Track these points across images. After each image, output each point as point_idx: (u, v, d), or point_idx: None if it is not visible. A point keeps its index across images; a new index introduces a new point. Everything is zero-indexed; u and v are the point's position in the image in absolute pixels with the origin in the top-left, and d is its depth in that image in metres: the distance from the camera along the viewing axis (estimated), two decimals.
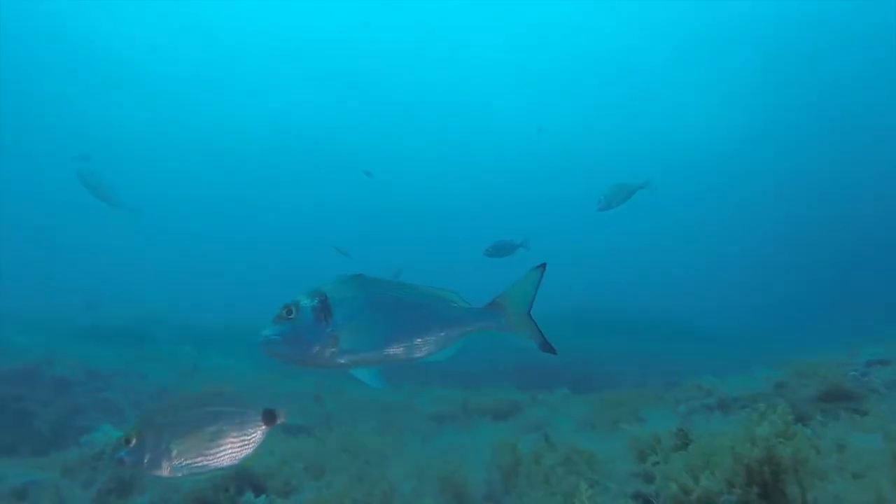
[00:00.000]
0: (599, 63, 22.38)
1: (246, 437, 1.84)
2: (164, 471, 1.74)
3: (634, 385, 6.73)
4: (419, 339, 1.75)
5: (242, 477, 1.92)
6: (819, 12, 18.19)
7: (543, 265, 1.81)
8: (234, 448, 1.81)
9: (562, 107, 24.54)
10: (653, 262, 25.53)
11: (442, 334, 1.77)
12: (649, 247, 26.58)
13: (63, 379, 5.38)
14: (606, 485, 2.05)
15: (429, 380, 8.15)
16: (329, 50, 22.31)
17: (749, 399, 3.96)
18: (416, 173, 27.43)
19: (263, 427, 1.87)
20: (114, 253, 23.88)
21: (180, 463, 1.76)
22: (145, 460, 1.72)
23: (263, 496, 2.22)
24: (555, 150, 25.80)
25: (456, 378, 8.77)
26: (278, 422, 1.91)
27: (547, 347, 1.76)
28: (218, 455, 1.80)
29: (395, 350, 1.73)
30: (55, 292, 14.59)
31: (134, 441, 1.73)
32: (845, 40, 19.09)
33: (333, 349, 1.62)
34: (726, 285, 23.77)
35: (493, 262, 6.94)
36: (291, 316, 1.60)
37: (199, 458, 1.78)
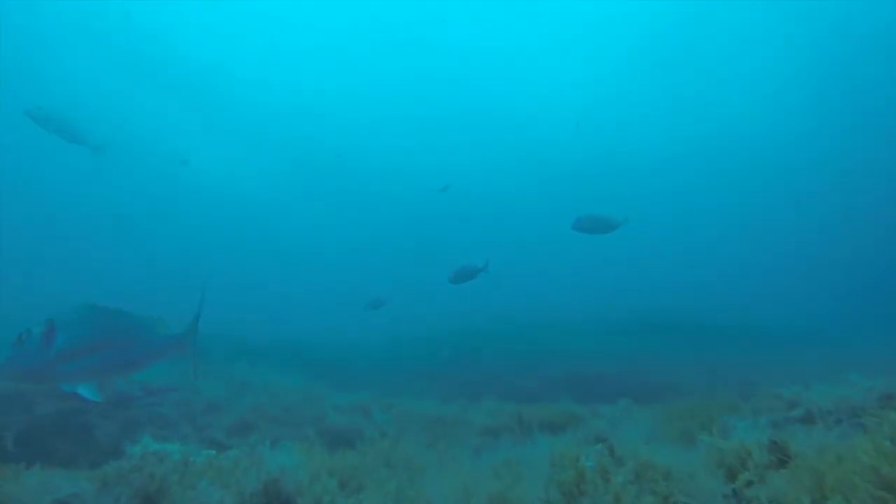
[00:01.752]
0: (647, 60, 21.65)
1: None
2: None
3: (702, 395, 6.20)
4: (125, 361, 2.22)
5: (270, 493, 1.76)
6: None
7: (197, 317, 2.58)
8: None
9: (608, 106, 23.87)
10: (712, 261, 24.21)
11: (144, 358, 2.31)
12: (708, 245, 25.28)
13: (123, 393, 5.50)
14: None
15: (481, 392, 7.88)
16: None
17: (848, 412, 3.45)
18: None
19: None
20: (170, 268, 25.07)
21: None
22: None
23: None
24: (600, 150, 25.12)
25: (510, 391, 8.45)
26: None
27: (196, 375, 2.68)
28: None
29: (106, 369, 2.15)
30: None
31: None
32: None
33: (53, 369, 1.90)
34: (794, 283, 22.21)
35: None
36: (21, 342, 1.89)
37: None
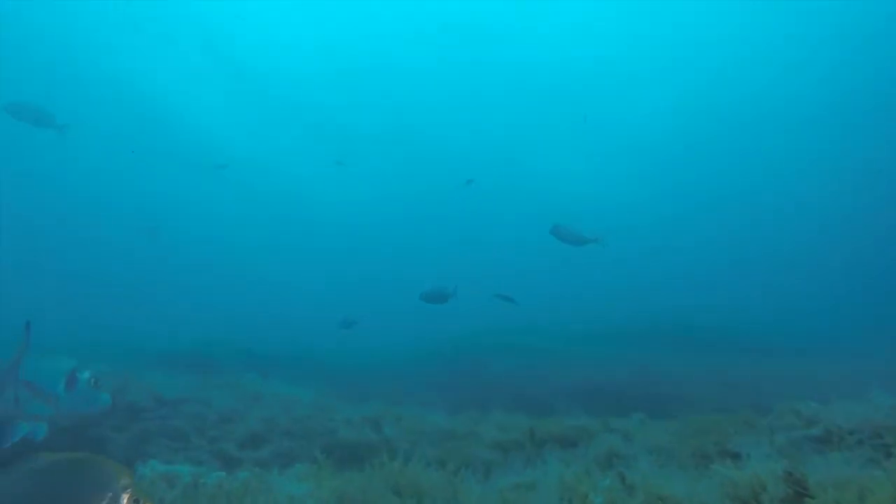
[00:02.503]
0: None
1: None
2: None
3: (718, 408, 6.09)
4: None
5: None
6: None
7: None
8: None
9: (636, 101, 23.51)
10: (726, 271, 23.86)
11: None
12: (720, 255, 24.93)
13: (135, 405, 5.56)
14: None
15: (491, 402, 7.85)
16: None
17: (871, 432, 3.36)
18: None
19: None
20: (175, 283, 25.34)
21: None
22: None
23: None
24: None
25: (521, 400, 8.39)
26: None
27: None
28: None
29: None
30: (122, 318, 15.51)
31: None
32: None
33: None
34: (810, 289, 21.80)
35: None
36: None
37: None
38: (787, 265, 24.74)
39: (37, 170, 22.81)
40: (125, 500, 1.65)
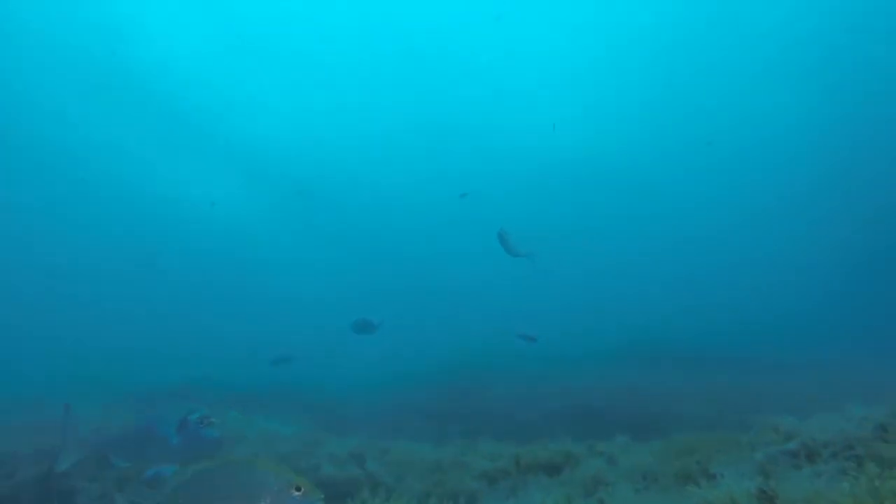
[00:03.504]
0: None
1: None
2: None
3: (704, 426, 6.11)
4: None
5: None
6: None
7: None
8: None
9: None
10: (708, 288, 24.13)
11: None
12: (701, 273, 25.25)
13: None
14: None
15: (480, 429, 7.79)
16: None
17: (843, 445, 3.42)
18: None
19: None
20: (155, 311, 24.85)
21: None
22: None
23: None
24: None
25: (510, 425, 8.34)
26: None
27: None
28: None
29: None
30: (100, 353, 15.12)
31: None
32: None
33: None
34: (794, 307, 22.10)
35: None
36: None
37: None
38: (767, 277, 25.08)
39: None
40: (288, 490, 1.86)
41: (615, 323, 18.48)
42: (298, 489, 1.90)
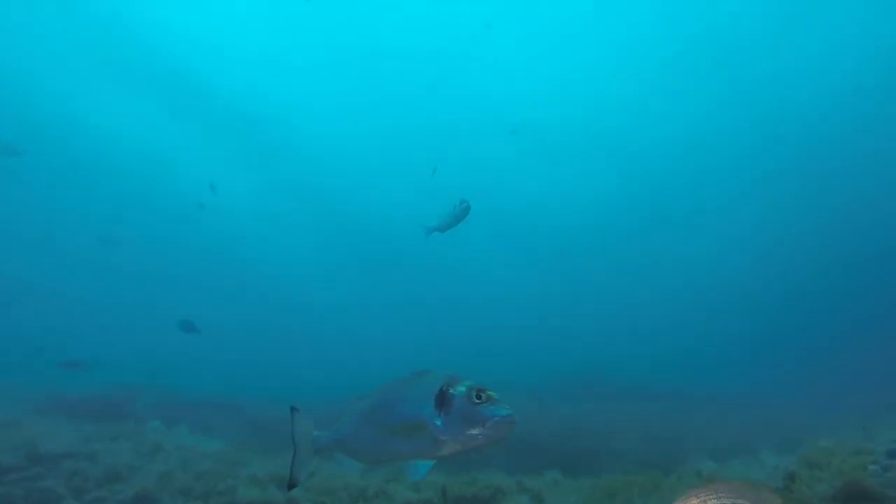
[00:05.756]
0: None
1: None
2: None
3: (634, 462, 6.17)
4: None
5: None
6: None
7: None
8: None
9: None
10: (645, 321, 24.67)
11: None
12: (638, 306, 25.84)
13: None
14: None
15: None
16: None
17: None
18: None
19: None
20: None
21: None
22: None
23: None
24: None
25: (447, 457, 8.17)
26: None
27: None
28: None
29: None
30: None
31: None
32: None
33: None
34: (724, 344, 22.92)
35: None
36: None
37: None
38: (703, 308, 25.67)
39: None
40: (468, 392, 1.73)
41: (558, 352, 18.71)
42: (479, 397, 1.73)
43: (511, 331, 24.43)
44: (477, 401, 1.72)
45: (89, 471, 5.21)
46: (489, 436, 1.69)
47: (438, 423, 1.76)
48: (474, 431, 1.70)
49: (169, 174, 23.68)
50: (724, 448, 4.83)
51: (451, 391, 1.76)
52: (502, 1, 18.05)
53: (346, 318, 28.10)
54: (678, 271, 26.28)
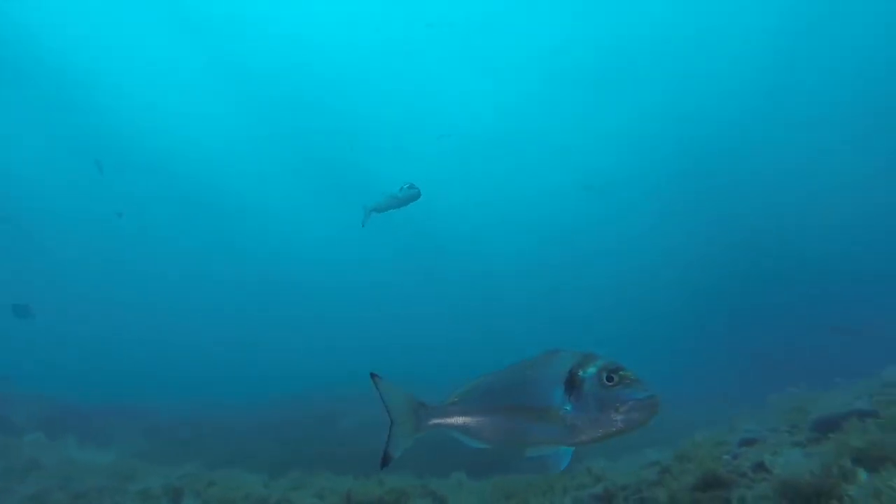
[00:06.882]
0: None
1: None
2: None
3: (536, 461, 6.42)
4: None
5: None
6: None
7: None
8: None
9: None
10: (543, 317, 25.40)
11: None
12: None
13: None
14: None
15: (332, 458, 7.47)
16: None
17: (635, 488, 3.77)
18: None
19: None
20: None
21: None
22: None
23: None
24: None
25: (355, 454, 8.09)
26: None
27: None
28: None
29: None
30: None
31: None
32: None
33: None
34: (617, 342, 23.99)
35: None
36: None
37: None
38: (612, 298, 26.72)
39: None
40: (599, 374, 1.62)
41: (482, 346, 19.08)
42: (611, 379, 1.60)
43: (414, 324, 24.73)
44: (609, 383, 1.61)
45: None
46: (628, 421, 1.58)
47: (569, 408, 1.65)
48: (610, 416, 1.59)
49: None
50: (616, 446, 5.15)
51: (580, 373, 1.65)
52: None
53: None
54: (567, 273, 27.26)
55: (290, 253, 27.66)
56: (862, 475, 2.24)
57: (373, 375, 1.93)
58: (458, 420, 1.90)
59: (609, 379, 1.60)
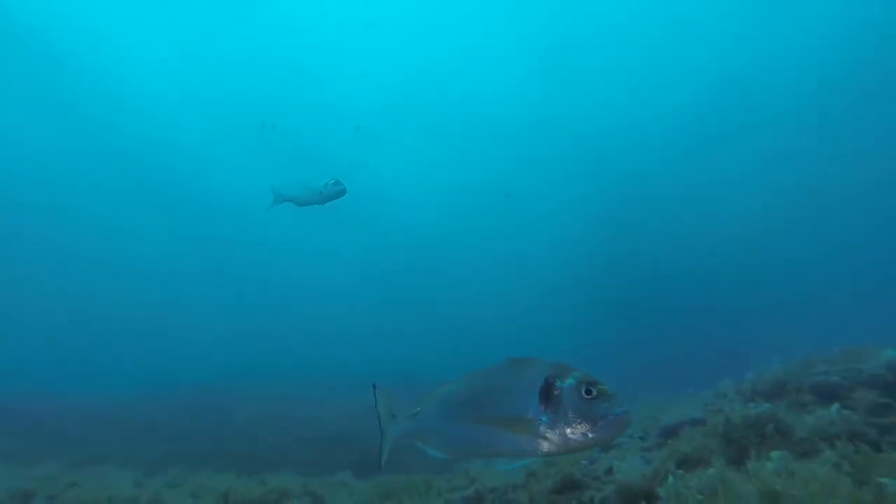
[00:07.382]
0: None
1: None
2: None
3: (421, 461, 6.58)
4: None
5: None
6: None
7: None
8: None
9: None
10: (466, 317, 25.87)
11: None
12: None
13: None
14: None
15: (209, 458, 7.16)
16: None
17: (503, 490, 4.01)
18: None
19: None
20: None
21: None
22: None
23: None
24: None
25: (255, 451, 7.87)
26: None
27: None
28: None
29: None
30: None
31: None
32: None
33: None
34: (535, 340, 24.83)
35: None
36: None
37: None
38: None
39: None
40: (578, 386, 1.60)
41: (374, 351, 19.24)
42: (589, 392, 1.55)
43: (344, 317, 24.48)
44: (587, 396, 1.55)
45: None
46: (600, 437, 1.54)
47: (545, 419, 1.58)
48: (584, 431, 1.54)
49: None
50: None
51: (558, 384, 1.59)
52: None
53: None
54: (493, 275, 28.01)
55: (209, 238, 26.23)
56: (670, 478, 2.57)
57: (374, 385, 1.98)
58: (421, 430, 1.88)
59: (588, 392, 1.56)
